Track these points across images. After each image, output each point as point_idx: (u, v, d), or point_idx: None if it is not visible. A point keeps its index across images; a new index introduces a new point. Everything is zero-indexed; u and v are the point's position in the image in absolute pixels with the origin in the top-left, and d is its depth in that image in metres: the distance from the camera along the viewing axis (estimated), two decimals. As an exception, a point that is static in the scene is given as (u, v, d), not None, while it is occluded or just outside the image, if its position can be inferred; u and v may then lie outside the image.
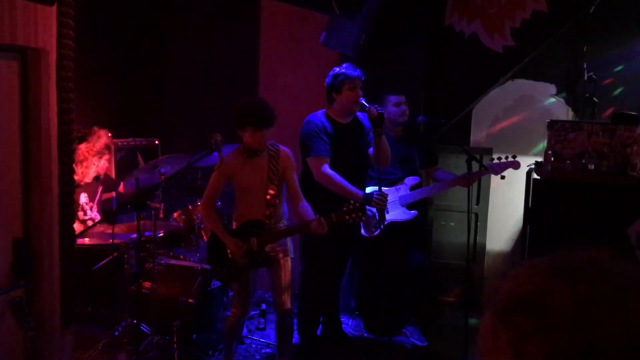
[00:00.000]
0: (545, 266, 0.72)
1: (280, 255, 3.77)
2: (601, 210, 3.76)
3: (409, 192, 4.47)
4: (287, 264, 3.80)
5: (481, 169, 4.39)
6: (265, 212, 3.68)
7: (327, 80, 4.08)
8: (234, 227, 3.81)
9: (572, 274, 0.70)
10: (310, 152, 4.01)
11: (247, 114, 3.62)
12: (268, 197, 3.68)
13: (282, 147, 3.82)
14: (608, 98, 4.90)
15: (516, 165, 4.31)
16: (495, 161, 4.33)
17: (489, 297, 0.74)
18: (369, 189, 4.26)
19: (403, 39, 4.94)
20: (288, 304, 3.80)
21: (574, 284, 0.68)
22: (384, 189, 4.18)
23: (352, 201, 3.59)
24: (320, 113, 4.12)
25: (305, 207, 3.73)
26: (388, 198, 4.14)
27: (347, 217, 3.55)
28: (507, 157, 4.32)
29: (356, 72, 4.01)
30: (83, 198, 4.65)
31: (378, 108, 3.87)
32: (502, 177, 4.37)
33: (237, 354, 4.19)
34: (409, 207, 4.47)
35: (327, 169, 3.96)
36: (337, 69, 4.07)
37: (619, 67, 4.88)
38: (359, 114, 4.19)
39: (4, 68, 2.99)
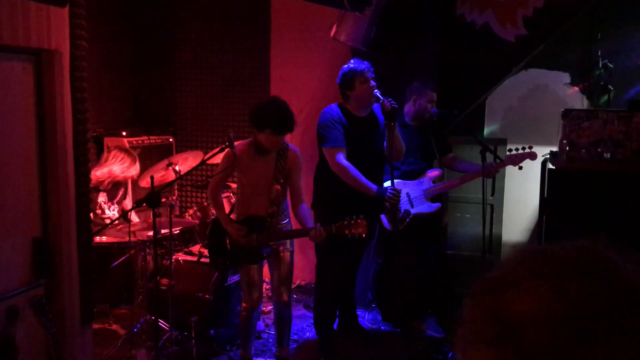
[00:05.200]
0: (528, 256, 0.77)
1: (281, 248, 3.84)
2: (617, 198, 3.72)
3: (432, 185, 4.48)
4: (286, 257, 3.86)
5: (496, 160, 4.38)
6: (268, 210, 3.73)
7: (338, 80, 4.07)
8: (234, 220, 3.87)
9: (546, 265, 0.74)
10: (325, 141, 3.99)
11: (271, 116, 3.60)
12: (272, 195, 3.71)
13: (291, 147, 3.84)
14: (623, 85, 4.85)
15: (533, 156, 4.31)
16: (513, 152, 4.33)
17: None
18: (387, 183, 4.26)
19: (414, 31, 4.91)
20: (286, 296, 3.89)
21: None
22: (406, 182, 4.19)
23: (354, 216, 3.56)
24: (335, 105, 4.10)
25: (304, 211, 3.81)
26: (413, 193, 4.14)
27: (346, 231, 3.55)
28: (523, 148, 4.32)
29: (363, 65, 3.98)
30: (101, 197, 4.73)
31: (392, 102, 3.83)
32: (520, 168, 4.37)
33: (255, 348, 4.22)
34: (432, 199, 4.49)
35: (342, 159, 3.94)
36: (345, 66, 4.05)
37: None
38: (375, 107, 4.15)
39: (19, 70, 3.02)
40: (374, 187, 3.96)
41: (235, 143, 3.66)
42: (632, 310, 0.67)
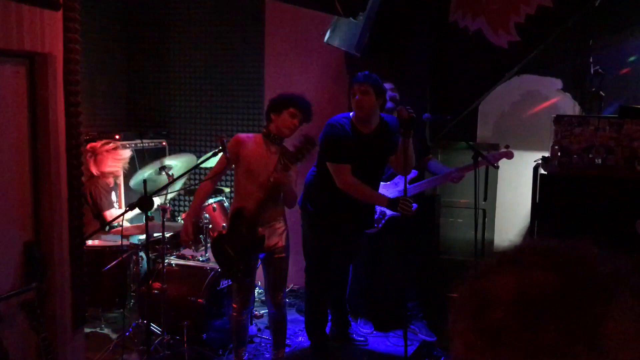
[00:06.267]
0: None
1: (276, 250, 3.83)
2: (609, 204, 3.74)
3: (408, 186, 4.48)
4: (280, 259, 3.87)
5: (476, 162, 4.37)
6: (259, 196, 3.68)
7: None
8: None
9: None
10: (332, 158, 3.89)
11: (293, 97, 3.76)
12: (269, 183, 3.65)
13: None
14: (615, 92, 4.88)
15: (509, 155, 4.34)
16: (492, 152, 4.37)
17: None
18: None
19: (407, 36, 4.93)
20: (279, 297, 3.92)
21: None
22: (381, 183, 4.18)
23: (303, 140, 3.58)
24: (344, 117, 3.95)
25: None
26: (388, 195, 4.14)
27: (299, 155, 3.57)
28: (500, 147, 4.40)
29: (355, 78, 3.87)
30: (114, 196, 4.78)
31: (409, 109, 3.65)
32: (496, 167, 4.37)
33: (247, 352, 4.22)
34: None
35: (349, 175, 3.86)
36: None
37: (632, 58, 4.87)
38: (387, 118, 3.99)
39: (12, 73, 3.02)
40: (385, 199, 3.91)
41: (243, 135, 3.84)
42: (580, 306, 0.72)
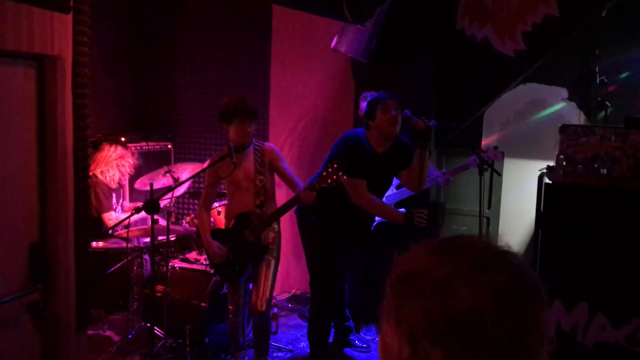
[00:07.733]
0: (431, 247, 0.86)
1: (267, 254, 3.83)
2: (613, 214, 3.74)
3: (395, 191, 4.50)
4: (270, 265, 3.84)
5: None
6: (256, 202, 3.77)
7: (362, 111, 3.97)
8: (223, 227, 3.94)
9: (446, 253, 0.83)
10: (350, 172, 3.75)
11: (231, 107, 3.72)
12: (258, 185, 3.75)
13: (266, 144, 3.91)
14: (621, 102, 4.89)
15: (497, 157, 4.36)
16: (483, 154, 4.37)
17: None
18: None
19: (414, 44, 4.95)
20: (262, 307, 3.82)
21: (445, 261, 0.81)
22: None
23: (329, 169, 3.51)
24: (360, 133, 3.90)
25: (302, 186, 3.72)
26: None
27: (329, 180, 3.50)
28: (489, 149, 4.43)
29: (387, 95, 3.83)
30: (113, 199, 4.80)
31: (425, 120, 3.63)
32: (485, 169, 4.35)
33: (249, 357, 4.21)
34: (397, 205, 4.47)
35: (366, 191, 3.83)
36: (370, 96, 3.91)
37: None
38: (400, 141, 3.95)
39: (21, 75, 3.04)
40: (400, 213, 3.86)
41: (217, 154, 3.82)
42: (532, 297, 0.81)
